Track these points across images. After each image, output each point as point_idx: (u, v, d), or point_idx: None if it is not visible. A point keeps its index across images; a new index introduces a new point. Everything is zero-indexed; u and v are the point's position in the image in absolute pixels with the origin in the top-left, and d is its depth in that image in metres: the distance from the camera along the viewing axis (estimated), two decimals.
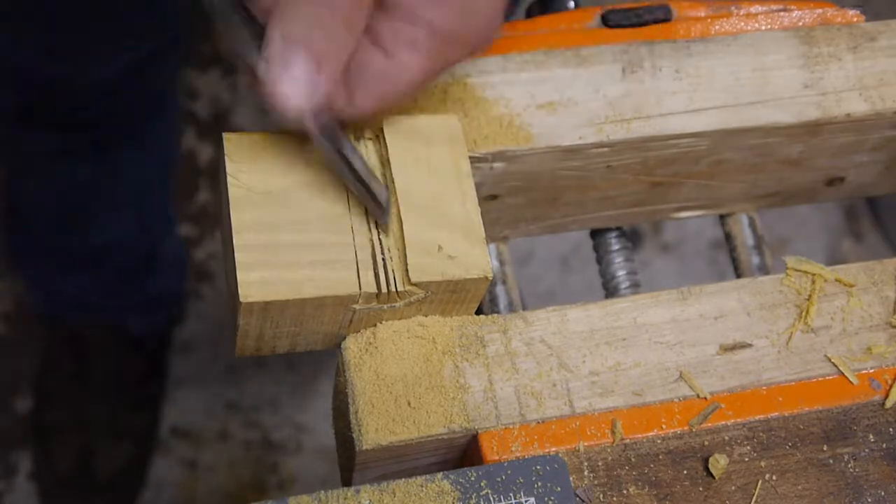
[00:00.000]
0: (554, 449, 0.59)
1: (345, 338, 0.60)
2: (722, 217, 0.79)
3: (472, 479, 0.56)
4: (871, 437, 0.62)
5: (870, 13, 0.74)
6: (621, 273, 0.77)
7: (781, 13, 0.72)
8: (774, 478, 0.60)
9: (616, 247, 0.78)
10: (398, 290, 0.58)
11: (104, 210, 1.44)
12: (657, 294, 0.64)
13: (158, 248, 1.58)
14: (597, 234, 0.79)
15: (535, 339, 0.61)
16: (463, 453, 0.61)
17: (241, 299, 0.55)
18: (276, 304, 0.56)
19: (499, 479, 0.56)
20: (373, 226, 0.59)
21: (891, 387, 0.63)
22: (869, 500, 0.60)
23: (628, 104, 0.66)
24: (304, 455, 1.68)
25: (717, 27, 0.71)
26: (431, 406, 0.58)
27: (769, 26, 0.71)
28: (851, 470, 0.61)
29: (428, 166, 0.60)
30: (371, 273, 0.58)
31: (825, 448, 0.61)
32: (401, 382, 0.59)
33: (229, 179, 0.57)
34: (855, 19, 0.72)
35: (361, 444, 0.57)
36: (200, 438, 1.68)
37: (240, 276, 0.56)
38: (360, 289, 0.57)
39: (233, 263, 0.56)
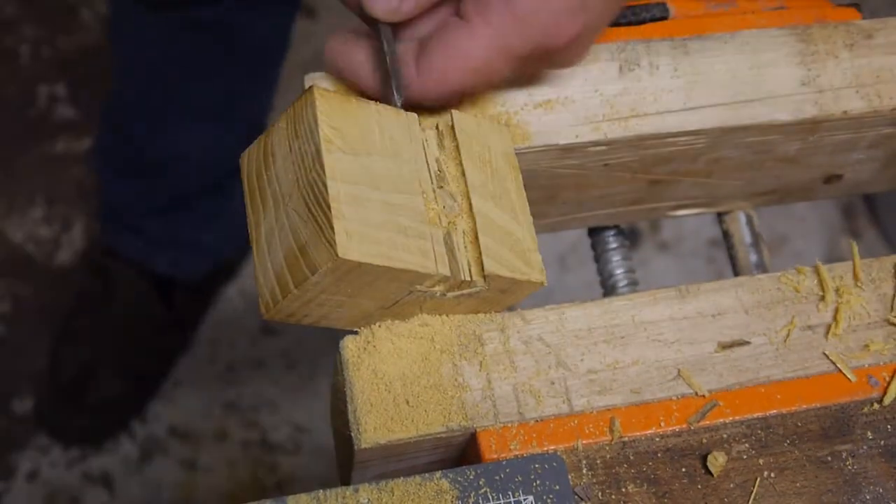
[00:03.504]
0: (552, 447, 0.59)
1: (371, 322, 0.60)
2: (720, 215, 0.79)
3: (471, 477, 0.56)
4: (870, 434, 0.62)
5: (866, 11, 0.74)
6: (619, 271, 0.78)
7: (778, 11, 0.72)
8: (773, 475, 0.60)
9: (614, 245, 0.78)
10: (466, 279, 0.58)
11: (184, 116, 1.45)
12: (655, 292, 0.64)
13: (227, 179, 1.52)
14: (594, 232, 0.79)
15: (533, 337, 0.61)
16: (461, 452, 0.61)
17: (340, 254, 0.53)
18: (366, 267, 0.54)
19: (497, 478, 0.56)
20: (446, 211, 0.59)
21: (889, 384, 0.63)
22: (867, 497, 0.60)
23: (625, 102, 0.66)
24: (303, 455, 1.68)
25: (714, 25, 0.71)
26: (430, 405, 0.58)
27: (766, 24, 0.71)
28: (850, 467, 0.61)
29: (491, 170, 0.61)
30: (446, 257, 0.57)
31: (823, 445, 0.61)
32: (399, 381, 0.59)
33: (323, 127, 0.56)
34: (851, 17, 0.72)
35: (360, 442, 0.57)
36: (199, 439, 1.68)
37: (337, 226, 0.53)
38: (436, 270, 0.57)
39: (320, 214, 0.54)
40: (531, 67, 0.63)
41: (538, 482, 0.57)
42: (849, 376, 0.63)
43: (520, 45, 0.59)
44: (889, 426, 0.62)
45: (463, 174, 0.60)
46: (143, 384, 1.68)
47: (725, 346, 0.63)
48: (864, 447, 0.62)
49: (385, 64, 0.59)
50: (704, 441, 0.61)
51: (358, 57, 0.61)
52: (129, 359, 1.65)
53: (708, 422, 0.61)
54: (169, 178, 1.54)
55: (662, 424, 0.61)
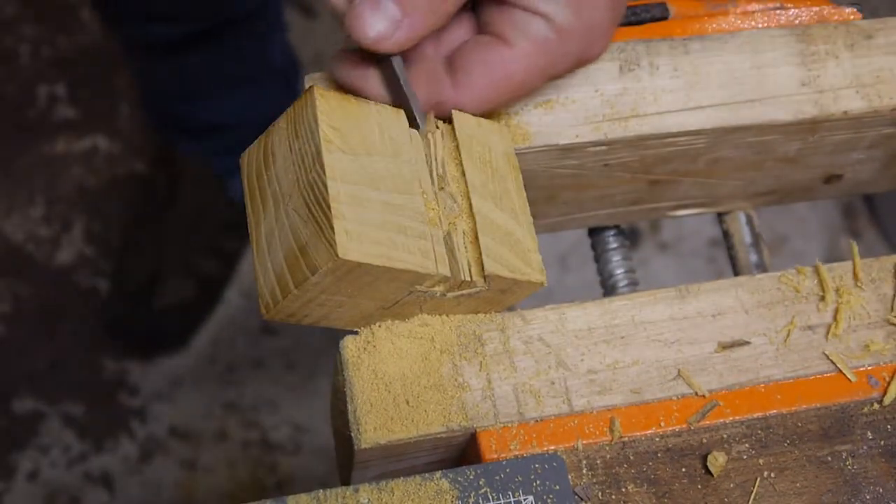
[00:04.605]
0: (552, 447, 0.59)
1: (371, 322, 0.60)
2: (720, 215, 0.79)
3: (471, 477, 0.56)
4: (870, 434, 0.62)
5: (867, 10, 0.74)
6: (619, 271, 0.78)
7: (778, 11, 0.72)
8: (773, 475, 0.60)
9: (614, 245, 0.78)
10: (466, 279, 0.58)
11: (217, 90, 1.56)
12: (655, 292, 0.64)
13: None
14: (594, 232, 0.79)
15: (533, 337, 0.61)
16: (461, 452, 0.61)
17: (340, 254, 0.53)
18: (366, 267, 0.54)
19: (497, 478, 0.56)
20: (446, 211, 0.59)
21: (889, 384, 0.63)
22: (867, 497, 0.60)
23: (625, 102, 0.66)
24: (303, 455, 1.68)
25: (714, 25, 0.71)
26: (430, 405, 0.58)
27: (766, 24, 0.71)
28: (850, 467, 0.61)
29: (491, 170, 0.61)
30: (446, 257, 0.58)
31: (823, 445, 0.61)
32: (399, 381, 0.59)
33: (323, 127, 0.56)
34: (851, 17, 0.72)
35: (360, 443, 0.57)
36: (199, 438, 1.68)
37: (337, 226, 0.54)
38: (436, 270, 0.57)
39: (320, 214, 0.54)
40: (561, 76, 0.64)
41: (538, 482, 0.57)
42: (849, 376, 0.63)
43: (561, 62, 0.61)
44: (889, 426, 0.62)
45: (463, 174, 0.60)
46: (211, 286, 1.72)
47: (725, 346, 0.63)
48: (864, 447, 0.62)
49: (400, 92, 0.59)
50: (704, 441, 0.61)
51: (372, 87, 0.60)
52: (195, 260, 1.70)
53: (708, 422, 0.61)
54: (226, 138, 1.62)
55: (662, 424, 0.61)
